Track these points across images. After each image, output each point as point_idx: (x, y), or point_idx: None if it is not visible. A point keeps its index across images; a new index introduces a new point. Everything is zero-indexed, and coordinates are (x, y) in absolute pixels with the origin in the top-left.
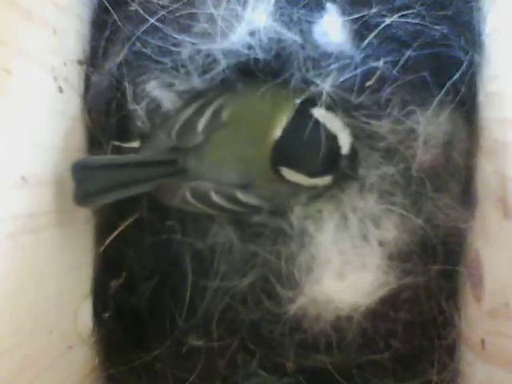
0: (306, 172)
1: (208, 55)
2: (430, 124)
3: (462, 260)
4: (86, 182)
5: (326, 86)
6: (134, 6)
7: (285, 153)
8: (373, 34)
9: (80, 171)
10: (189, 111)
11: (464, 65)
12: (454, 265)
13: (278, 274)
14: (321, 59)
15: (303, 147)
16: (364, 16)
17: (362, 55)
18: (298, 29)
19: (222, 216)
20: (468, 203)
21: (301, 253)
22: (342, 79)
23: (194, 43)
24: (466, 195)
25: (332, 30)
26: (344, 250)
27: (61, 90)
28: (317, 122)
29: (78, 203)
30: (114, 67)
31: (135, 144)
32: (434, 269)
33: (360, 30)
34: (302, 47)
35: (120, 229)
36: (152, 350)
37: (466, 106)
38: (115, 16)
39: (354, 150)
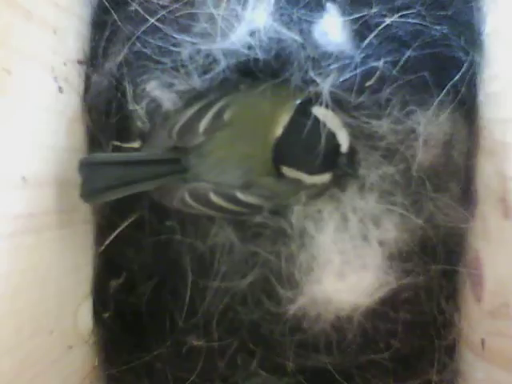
0: (305, 170)
1: (208, 55)
2: (430, 124)
3: (461, 260)
4: (92, 178)
5: (326, 85)
6: (133, 6)
7: (285, 151)
8: (373, 34)
9: (87, 168)
10: (190, 111)
11: (464, 65)
12: (454, 265)
13: (278, 274)
14: (321, 59)
15: (303, 145)
16: (364, 16)
17: (362, 55)
18: (297, 29)
19: (221, 217)
20: (468, 203)
21: (301, 253)
22: (342, 79)
23: (194, 43)
24: (466, 195)
25: (332, 29)
26: (344, 250)
27: (61, 90)
28: (317, 121)
29: (85, 200)
30: (114, 67)
31: (135, 144)
32: (434, 269)
33: (360, 30)
34: (302, 47)
35: (120, 229)
36: (152, 350)
37: (466, 106)
38: (115, 16)
39: (353, 148)
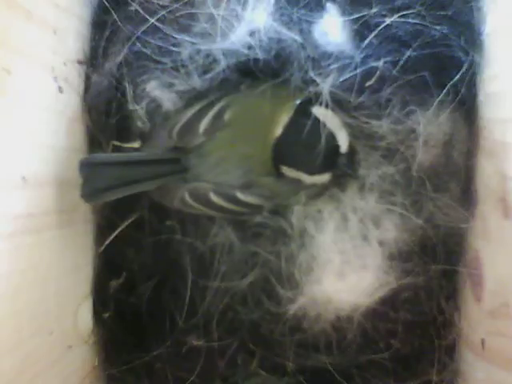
0: (305, 170)
1: (208, 55)
2: (430, 124)
3: (461, 260)
4: (93, 178)
5: (325, 85)
6: (134, 6)
7: (285, 151)
8: (373, 34)
9: (87, 168)
10: (191, 112)
11: (464, 65)
12: (454, 265)
13: (278, 274)
14: (321, 59)
15: (303, 145)
16: (364, 16)
17: (362, 55)
18: (297, 29)
19: (221, 217)
20: (468, 203)
21: (301, 253)
22: (342, 79)
23: (193, 43)
24: (466, 195)
25: (332, 29)
26: (344, 250)
27: (61, 90)
28: (316, 121)
29: (86, 200)
30: (114, 67)
31: (135, 144)
32: (434, 269)
33: (360, 30)
34: (302, 47)
35: (120, 229)
36: (152, 350)
37: (466, 106)
38: (115, 16)
39: (352, 149)
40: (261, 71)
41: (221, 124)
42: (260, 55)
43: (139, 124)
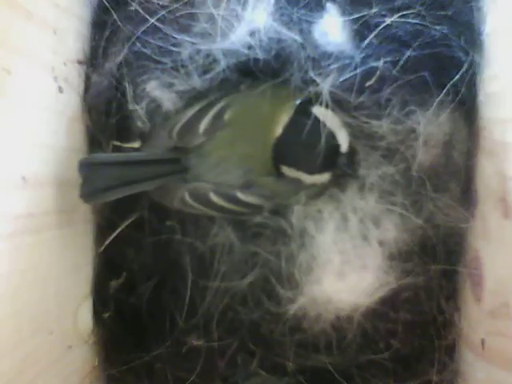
0: (305, 169)
1: (208, 55)
2: (430, 124)
3: (461, 260)
4: (92, 178)
5: (325, 85)
6: (133, 6)
7: (285, 151)
8: (373, 34)
9: (87, 168)
10: (191, 112)
11: (464, 65)
12: (454, 265)
13: (278, 274)
14: (321, 59)
15: (303, 145)
16: (364, 16)
17: (362, 55)
18: (297, 29)
19: (222, 217)
20: (468, 203)
21: (301, 253)
22: (342, 79)
23: (193, 43)
24: (466, 195)
25: (332, 29)
26: (344, 250)
27: (61, 90)
28: (316, 121)
29: (85, 200)
30: (114, 67)
31: (135, 144)
32: (434, 269)
33: (360, 30)
34: (302, 47)
35: (120, 229)
36: (152, 350)
37: (466, 106)
38: (115, 16)
39: (352, 148)
40: (261, 71)
41: (221, 124)
42: (260, 55)
43: (139, 124)
